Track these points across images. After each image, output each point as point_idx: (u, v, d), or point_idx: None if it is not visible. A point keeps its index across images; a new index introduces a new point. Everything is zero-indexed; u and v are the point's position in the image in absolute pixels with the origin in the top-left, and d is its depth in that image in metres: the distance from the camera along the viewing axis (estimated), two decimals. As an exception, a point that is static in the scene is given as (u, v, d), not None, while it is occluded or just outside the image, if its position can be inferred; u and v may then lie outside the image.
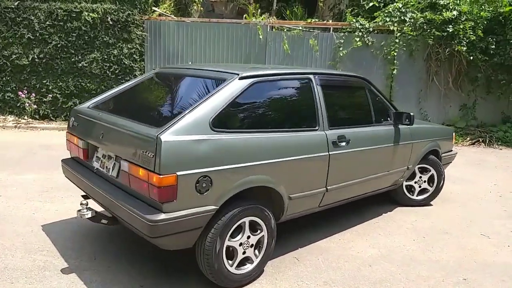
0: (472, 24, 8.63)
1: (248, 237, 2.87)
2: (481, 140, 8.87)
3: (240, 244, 2.83)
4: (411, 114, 3.84)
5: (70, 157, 3.54)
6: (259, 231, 2.92)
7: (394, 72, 9.26)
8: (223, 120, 2.66)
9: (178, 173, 2.41)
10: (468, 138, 9.00)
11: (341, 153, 3.36)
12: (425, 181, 4.57)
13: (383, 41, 9.27)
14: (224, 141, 2.62)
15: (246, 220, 2.81)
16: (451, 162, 5.01)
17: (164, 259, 3.15)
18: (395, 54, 9.12)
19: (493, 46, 8.68)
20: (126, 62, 8.94)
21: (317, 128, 3.22)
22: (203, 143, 2.51)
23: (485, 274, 3.18)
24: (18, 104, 8.97)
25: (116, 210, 2.68)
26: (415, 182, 4.55)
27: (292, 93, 3.31)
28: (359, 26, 9.22)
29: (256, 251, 2.95)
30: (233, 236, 2.77)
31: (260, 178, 2.81)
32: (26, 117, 8.94)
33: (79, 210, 2.92)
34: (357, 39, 9.13)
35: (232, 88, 2.76)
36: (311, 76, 3.34)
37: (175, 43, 9.31)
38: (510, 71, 8.81)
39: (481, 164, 7.01)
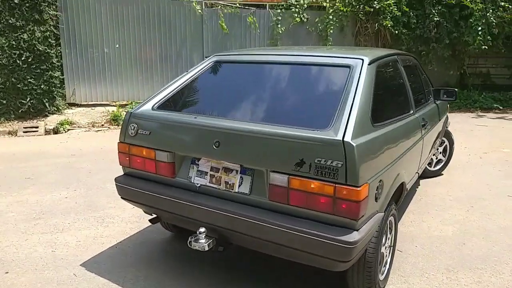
0: (395, 0, 9.25)
1: (387, 238, 2.61)
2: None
3: (385, 249, 2.56)
4: (455, 89, 3.92)
5: (124, 173, 2.75)
6: (390, 231, 2.68)
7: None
8: (376, 114, 2.31)
9: (369, 182, 2.02)
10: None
11: (426, 135, 3.28)
12: (440, 152, 4.77)
13: (317, 18, 9.38)
14: (383, 137, 2.29)
15: (388, 221, 2.54)
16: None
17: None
18: (331, 31, 9.32)
19: (414, 20, 9.47)
20: (40, 48, 7.37)
21: (412, 112, 3.05)
22: (373, 143, 2.15)
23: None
24: None
25: (265, 234, 2.14)
26: (433, 154, 4.72)
27: (399, 76, 3.07)
28: (295, 2, 9.15)
29: (389, 253, 2.71)
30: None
31: (403, 172, 2.56)
32: None
33: (195, 240, 2.29)
34: (296, 15, 9.06)
35: (368, 76, 2.37)
36: (396, 57, 3.14)
37: (96, 23, 8.01)
38: (428, 43, 9.74)
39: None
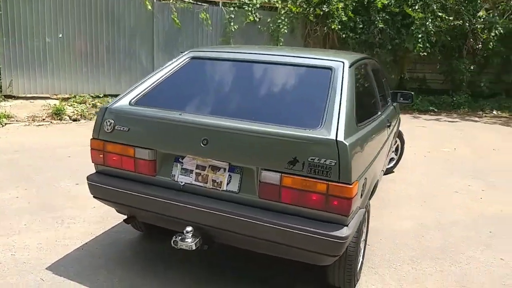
0: (343, 5, 9.63)
1: (363, 232, 2.73)
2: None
3: (362, 242, 2.67)
4: (411, 93, 4.17)
5: (97, 171, 2.60)
6: (366, 225, 2.80)
7: (280, 48, 9.64)
8: (358, 114, 2.40)
9: (358, 179, 2.10)
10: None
11: (390, 135, 3.46)
12: (393, 151, 5.06)
13: (269, 18, 9.49)
14: (365, 136, 2.40)
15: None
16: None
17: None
18: (286, 31, 9.47)
19: (361, 26, 9.91)
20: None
21: (380, 113, 3.21)
22: (359, 142, 2.24)
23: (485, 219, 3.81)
24: None
25: (256, 232, 2.14)
26: (388, 153, 4.99)
27: (370, 78, 3.20)
28: (248, 2, 9.18)
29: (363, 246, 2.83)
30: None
31: (378, 170, 2.69)
32: None
33: (182, 239, 2.24)
34: (249, 14, 9.10)
35: (350, 78, 2.45)
36: (366, 60, 3.28)
37: (38, 11, 7.46)
38: (372, 48, 10.23)
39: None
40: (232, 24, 9.03)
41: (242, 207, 2.18)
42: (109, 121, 2.46)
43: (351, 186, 1.99)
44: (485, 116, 10.16)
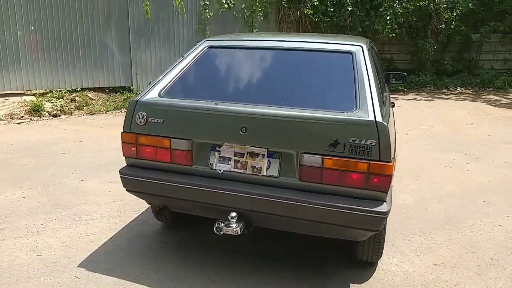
0: (315, -11, 9.76)
1: None
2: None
3: None
4: (405, 74, 4.37)
5: (128, 165, 2.62)
6: None
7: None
8: (380, 96, 2.53)
9: (394, 157, 2.26)
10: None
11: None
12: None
13: (243, 4, 9.48)
14: (389, 116, 2.54)
15: None
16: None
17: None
18: (261, 18, 9.49)
19: (332, 9, 10.09)
20: None
21: (386, 94, 3.37)
22: (389, 122, 2.37)
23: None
24: None
25: (301, 214, 2.25)
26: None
27: (377, 60, 3.35)
28: (221, -13, 9.12)
29: None
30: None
31: (396, 148, 2.86)
32: None
33: (227, 225, 2.32)
34: (223, 1, 9.04)
35: (370, 62, 2.59)
36: (371, 43, 3.43)
37: (7, 2, 7.10)
38: (344, 30, 10.46)
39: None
40: (207, 11, 8.95)
41: (287, 191, 2.28)
42: (141, 113, 2.48)
43: (391, 164, 2.14)
44: (451, 93, 10.70)
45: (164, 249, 2.95)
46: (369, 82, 2.38)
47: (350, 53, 2.62)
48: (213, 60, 2.85)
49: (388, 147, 2.13)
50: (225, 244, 2.99)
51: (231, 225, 2.33)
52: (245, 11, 9.48)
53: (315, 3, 9.74)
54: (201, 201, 2.45)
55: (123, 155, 2.62)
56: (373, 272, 2.74)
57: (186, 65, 2.75)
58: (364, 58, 2.56)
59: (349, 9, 10.05)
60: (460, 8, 11.05)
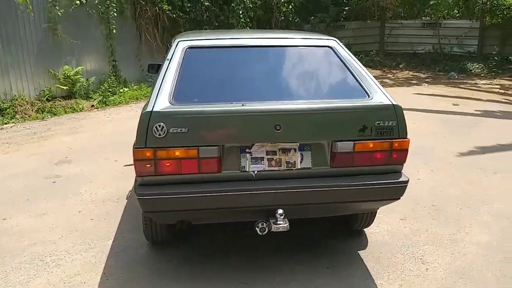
0: (169, -16, 9.61)
1: None
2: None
3: None
4: None
5: (140, 184, 2.32)
6: None
7: (114, 31, 9.01)
8: None
9: None
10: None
11: None
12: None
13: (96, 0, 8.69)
14: None
15: None
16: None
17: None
18: (115, 14, 8.85)
19: (189, 4, 10.10)
20: None
21: None
22: None
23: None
24: None
25: (341, 197, 2.42)
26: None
27: None
28: (71, -19, 8.16)
29: None
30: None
31: None
32: None
33: (275, 223, 2.33)
34: (75, -4, 8.12)
35: (348, 51, 2.89)
36: None
37: None
38: (201, 25, 10.59)
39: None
40: (57, 8, 7.90)
41: (321, 179, 2.41)
42: (160, 125, 2.24)
43: (407, 139, 2.49)
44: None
45: (174, 268, 2.74)
46: (364, 70, 2.67)
47: (329, 46, 2.85)
48: (204, 61, 2.73)
49: (404, 125, 2.46)
50: (239, 247, 2.97)
51: (278, 222, 2.35)
52: (99, 7, 8.72)
53: (171, -2, 9.60)
54: (237, 205, 2.38)
55: (137, 175, 2.31)
56: (367, 237, 3.12)
57: (178, 68, 2.56)
58: (344, 50, 2.84)
59: (206, 4, 10.23)
60: (294, 2, 12.44)
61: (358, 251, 2.94)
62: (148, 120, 2.24)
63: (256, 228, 2.38)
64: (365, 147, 2.42)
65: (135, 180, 2.35)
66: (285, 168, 2.41)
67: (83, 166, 4.64)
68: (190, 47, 2.74)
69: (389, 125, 2.41)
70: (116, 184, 4.08)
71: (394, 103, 2.45)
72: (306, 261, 2.80)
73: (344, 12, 13.86)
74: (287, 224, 2.36)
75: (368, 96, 2.49)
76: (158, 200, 2.30)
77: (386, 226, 3.28)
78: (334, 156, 2.42)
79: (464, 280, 2.61)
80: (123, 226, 3.24)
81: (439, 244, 3.03)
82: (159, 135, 2.24)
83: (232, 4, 10.60)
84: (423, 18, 14.34)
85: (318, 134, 2.41)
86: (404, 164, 2.54)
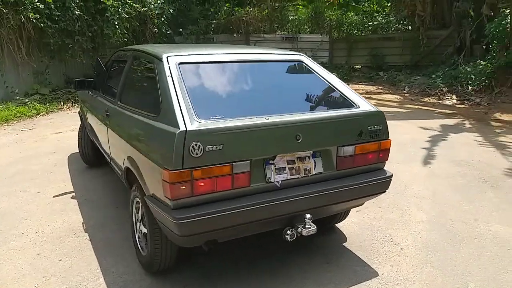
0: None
1: None
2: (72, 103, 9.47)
3: None
4: None
5: (175, 208, 2.21)
6: None
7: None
8: None
9: None
10: (66, 103, 9.29)
11: None
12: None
13: None
14: None
15: None
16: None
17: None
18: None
19: (58, 13, 9.16)
20: None
21: None
22: None
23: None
24: None
25: (344, 196, 2.71)
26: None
27: None
28: None
29: None
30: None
31: None
32: None
33: (304, 227, 2.50)
34: None
35: (318, 65, 3.22)
36: None
37: None
38: (73, 35, 9.70)
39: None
40: None
41: (330, 182, 2.67)
42: (196, 144, 2.19)
43: (390, 140, 2.91)
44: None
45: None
46: (340, 82, 3.03)
47: (300, 61, 3.16)
48: (201, 76, 2.73)
49: (387, 128, 2.90)
50: (247, 256, 2.98)
51: (307, 226, 2.51)
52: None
53: (39, 7, 8.58)
54: (267, 216, 2.47)
55: (172, 198, 2.20)
56: (342, 231, 3.48)
57: (181, 85, 2.51)
58: (314, 63, 3.17)
59: (76, 12, 9.42)
60: (165, 14, 12.37)
61: (342, 244, 3.27)
62: (183, 139, 2.17)
63: (286, 236, 2.51)
64: (362, 150, 2.77)
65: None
66: (303, 175, 2.60)
67: (1, 203, 3.92)
68: (182, 63, 2.70)
69: (377, 128, 2.81)
70: (60, 218, 3.60)
71: (379, 109, 2.86)
72: (306, 262, 3.00)
73: (212, 26, 14.33)
74: (315, 227, 2.54)
75: (355, 105, 2.85)
76: (197, 222, 2.24)
77: (349, 219, 3.69)
78: (339, 160, 2.70)
79: (432, 251, 3.17)
80: (104, 260, 2.92)
81: (396, 227, 3.58)
82: (196, 154, 2.20)
83: (107, 14, 10.01)
84: (282, 32, 15.76)
85: (329, 140, 2.67)
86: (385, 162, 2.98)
